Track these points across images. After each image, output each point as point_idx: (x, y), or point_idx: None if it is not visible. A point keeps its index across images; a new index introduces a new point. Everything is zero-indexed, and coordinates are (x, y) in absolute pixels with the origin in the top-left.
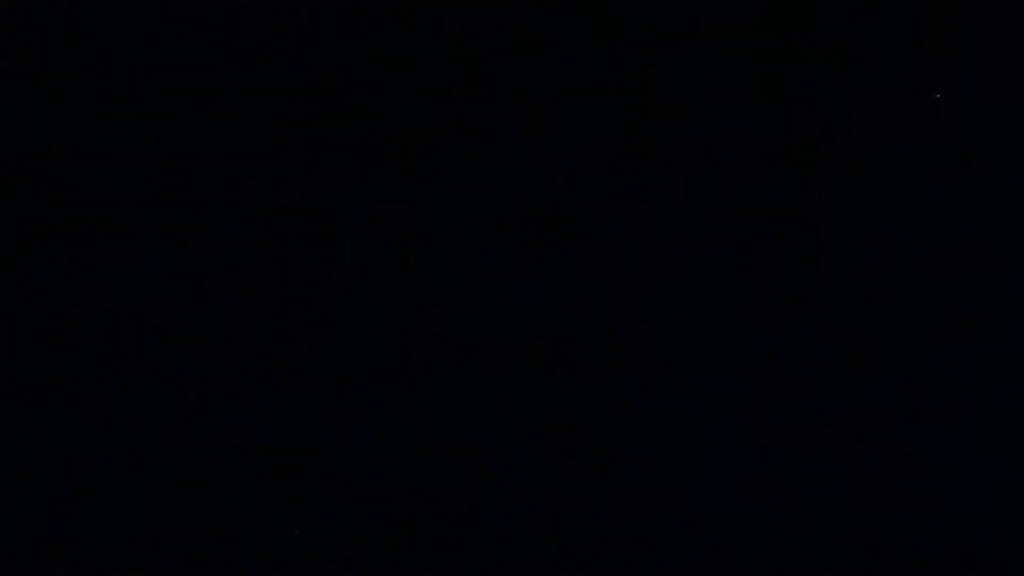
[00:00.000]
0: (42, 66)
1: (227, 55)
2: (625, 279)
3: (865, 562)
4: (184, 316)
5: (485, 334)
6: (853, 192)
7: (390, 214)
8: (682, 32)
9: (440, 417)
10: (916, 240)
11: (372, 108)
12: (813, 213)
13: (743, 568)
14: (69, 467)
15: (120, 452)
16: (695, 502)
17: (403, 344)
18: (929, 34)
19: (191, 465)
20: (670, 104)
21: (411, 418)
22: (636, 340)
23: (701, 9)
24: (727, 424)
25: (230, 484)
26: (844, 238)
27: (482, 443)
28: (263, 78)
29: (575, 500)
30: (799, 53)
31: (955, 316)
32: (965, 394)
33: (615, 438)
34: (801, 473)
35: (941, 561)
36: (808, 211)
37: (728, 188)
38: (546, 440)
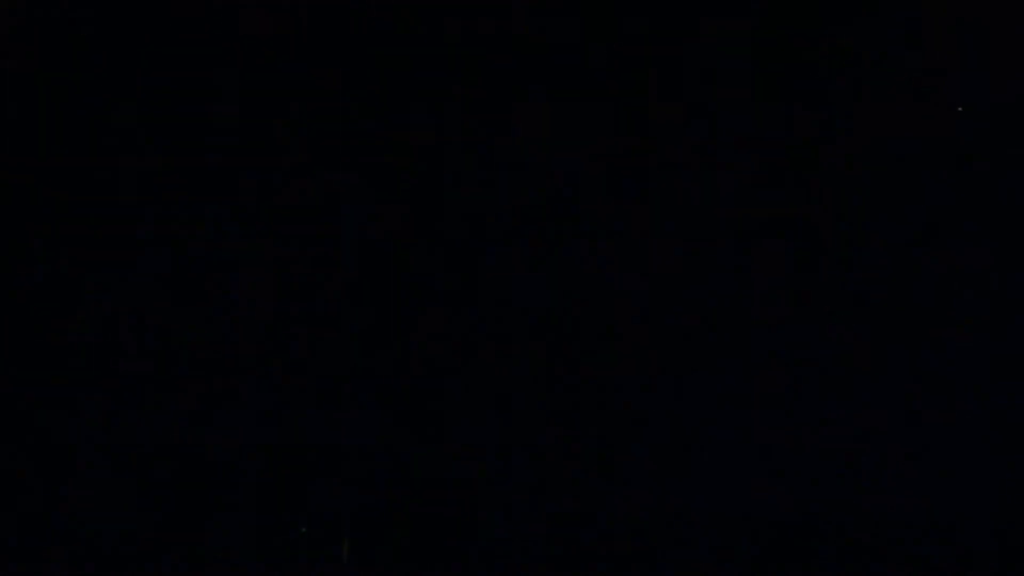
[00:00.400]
0: (42, 66)
1: (227, 55)
2: (625, 279)
3: (865, 562)
4: (184, 316)
5: (485, 334)
6: (853, 192)
7: (390, 214)
8: (682, 32)
9: (440, 417)
10: (916, 240)
11: (372, 108)
12: (813, 213)
13: (743, 568)
14: (69, 467)
15: (120, 452)
16: (695, 502)
17: (403, 344)
18: (929, 34)
19: (191, 465)
20: (670, 104)
21: (411, 418)
22: (636, 340)
23: (701, 9)
24: (727, 424)
25: (230, 484)
26: (844, 238)
27: (482, 443)
28: (263, 78)
29: (575, 500)
30: (799, 53)
31: (955, 316)
32: (965, 394)
33: (615, 438)
34: (801, 473)
35: (941, 561)
36: (808, 211)
37: (728, 188)
38: (546, 440)
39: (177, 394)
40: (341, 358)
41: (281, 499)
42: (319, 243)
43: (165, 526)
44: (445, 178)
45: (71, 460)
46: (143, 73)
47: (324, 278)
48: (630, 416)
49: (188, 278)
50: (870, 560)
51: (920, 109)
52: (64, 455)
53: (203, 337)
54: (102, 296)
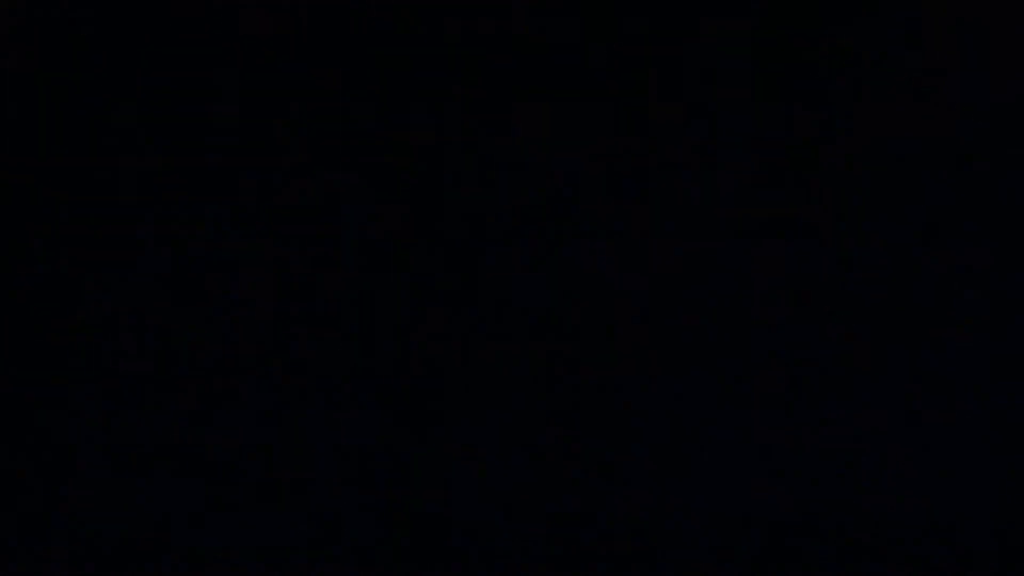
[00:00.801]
0: (42, 66)
1: (227, 55)
2: (625, 279)
3: (865, 562)
4: (184, 316)
5: (485, 334)
6: (853, 192)
7: (390, 214)
8: (682, 32)
9: (440, 417)
10: (916, 240)
11: (372, 108)
12: (813, 213)
13: (743, 568)
14: (69, 467)
15: (120, 452)
16: (695, 502)
17: (403, 344)
18: (929, 34)
19: (191, 465)
20: (670, 104)
21: (411, 418)
22: (636, 340)
23: (701, 9)
24: (727, 424)
25: (230, 484)
26: (844, 238)
27: (482, 443)
28: (263, 78)
29: (575, 500)
30: (799, 53)
31: (955, 316)
32: (965, 394)
33: (615, 438)
34: (801, 473)
35: (941, 561)
36: (808, 211)
37: (728, 188)
38: (546, 440)
39: (177, 394)
40: (341, 358)
41: (281, 499)
42: (319, 243)
43: (165, 526)
44: (445, 178)
45: (71, 460)
46: (143, 73)
47: (324, 278)
48: (630, 416)
49: (188, 278)
50: (870, 560)
51: (920, 109)
52: (64, 455)
53: (203, 337)
54: (102, 296)
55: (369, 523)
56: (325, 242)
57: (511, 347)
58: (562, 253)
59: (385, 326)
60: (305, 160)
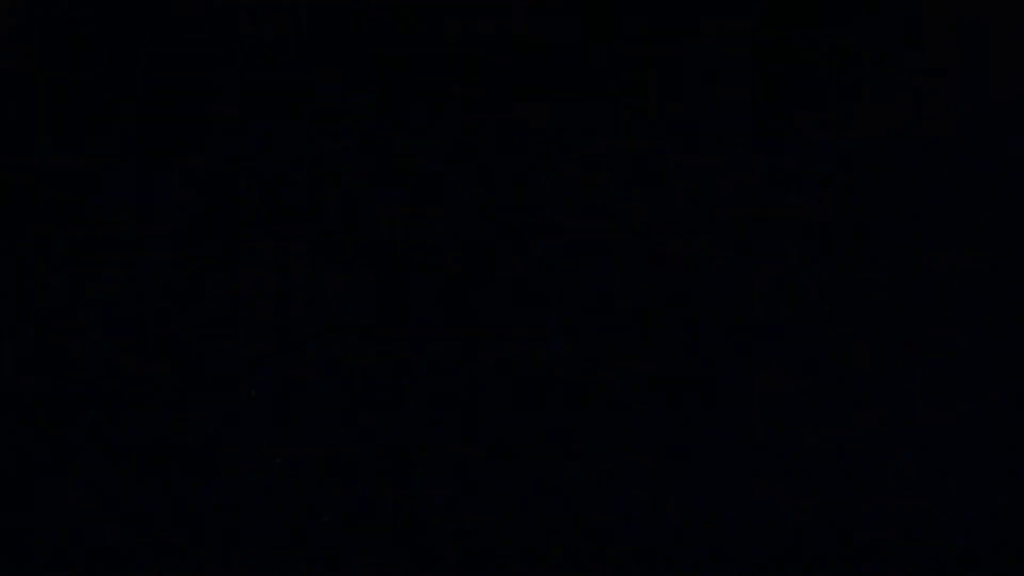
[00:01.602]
0: (42, 66)
1: (227, 55)
2: (625, 279)
3: (865, 562)
4: (184, 316)
5: (486, 335)
6: (853, 192)
7: (390, 214)
8: (682, 32)
9: (440, 417)
10: (916, 240)
11: (372, 108)
12: (813, 213)
13: (743, 568)
14: (69, 467)
15: (120, 452)
16: (695, 502)
17: (403, 344)
18: (929, 34)
19: (190, 465)
20: (670, 104)
21: (411, 418)
22: (636, 341)
23: (701, 9)
24: (727, 424)
25: (231, 484)
26: (844, 238)
27: (482, 444)
28: (263, 78)
29: (575, 500)
30: (799, 53)
31: (955, 316)
32: (965, 394)
33: (615, 438)
34: (801, 473)
35: (941, 561)
36: (808, 211)
37: (728, 188)
38: (546, 440)
39: (177, 394)
40: (341, 358)
41: (280, 499)
42: (319, 243)
43: (164, 526)
44: (445, 178)
45: (71, 460)
46: (143, 73)
47: (324, 278)
48: (630, 416)
49: (188, 278)
50: (870, 560)
51: (920, 109)
52: (64, 455)
53: (203, 337)
54: (102, 296)
55: (369, 523)
56: (325, 242)
57: (511, 347)
58: (561, 253)
59: (385, 326)
60: (306, 160)
